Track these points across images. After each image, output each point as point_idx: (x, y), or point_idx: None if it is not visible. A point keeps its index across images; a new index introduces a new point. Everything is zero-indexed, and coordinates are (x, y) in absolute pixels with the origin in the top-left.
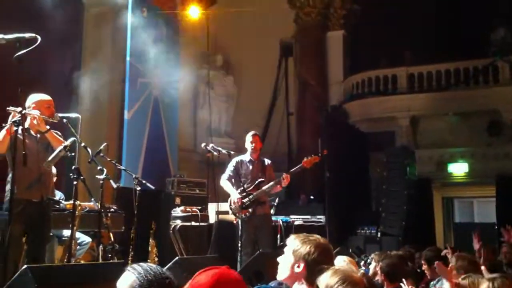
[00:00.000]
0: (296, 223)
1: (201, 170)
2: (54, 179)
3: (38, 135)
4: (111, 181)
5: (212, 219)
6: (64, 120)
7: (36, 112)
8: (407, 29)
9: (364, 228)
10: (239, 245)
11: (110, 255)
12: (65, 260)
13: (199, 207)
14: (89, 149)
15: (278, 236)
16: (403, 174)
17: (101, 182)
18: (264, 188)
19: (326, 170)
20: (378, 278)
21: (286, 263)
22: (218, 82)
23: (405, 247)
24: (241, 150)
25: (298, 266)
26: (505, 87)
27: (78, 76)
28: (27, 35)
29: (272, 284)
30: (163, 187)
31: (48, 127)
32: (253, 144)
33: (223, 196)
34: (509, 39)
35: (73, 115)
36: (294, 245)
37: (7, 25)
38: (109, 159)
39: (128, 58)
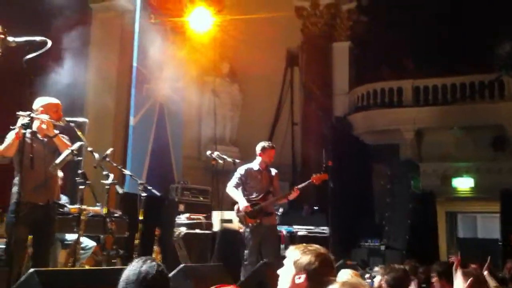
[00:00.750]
0: (299, 233)
1: (205, 178)
2: (60, 182)
3: (46, 139)
4: (117, 186)
5: (216, 227)
6: (72, 124)
7: (45, 117)
8: (413, 42)
9: (368, 241)
10: (244, 254)
11: (114, 260)
12: (70, 264)
13: (204, 215)
14: (95, 154)
15: (283, 246)
16: (407, 188)
17: (107, 187)
18: (272, 199)
19: (330, 181)
20: None
21: (287, 275)
22: (224, 90)
23: (409, 261)
24: (246, 158)
25: (299, 277)
26: (511, 103)
27: (84, 81)
28: (37, 38)
29: None
30: (166, 194)
31: (56, 131)
32: (269, 159)
33: (227, 205)
34: None
35: (80, 119)
36: (295, 256)
37: (15, 30)
38: (115, 164)
39: (134, 64)
